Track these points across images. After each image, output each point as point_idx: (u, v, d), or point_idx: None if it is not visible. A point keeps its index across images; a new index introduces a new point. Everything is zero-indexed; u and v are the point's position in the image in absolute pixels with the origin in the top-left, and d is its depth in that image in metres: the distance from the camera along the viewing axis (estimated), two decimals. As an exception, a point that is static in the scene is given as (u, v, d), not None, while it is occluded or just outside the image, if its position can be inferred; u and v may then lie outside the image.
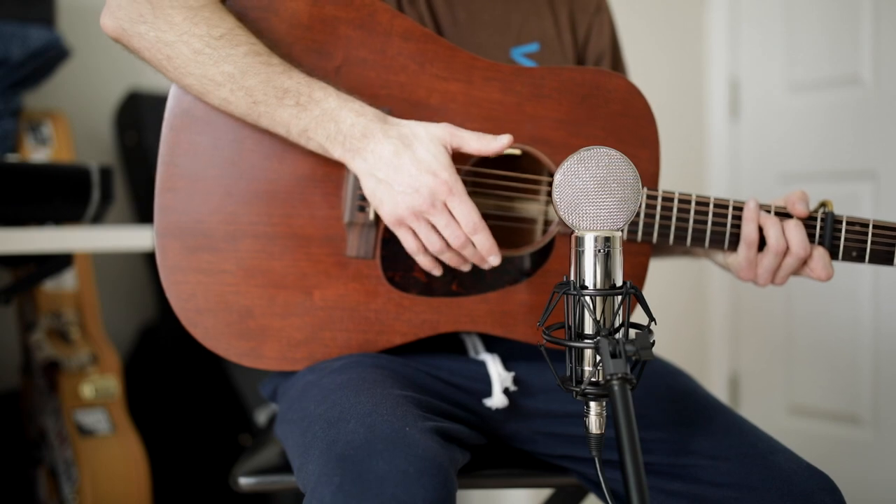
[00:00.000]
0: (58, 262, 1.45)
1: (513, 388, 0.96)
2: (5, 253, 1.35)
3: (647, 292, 0.70)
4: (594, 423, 0.69)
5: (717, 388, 2.57)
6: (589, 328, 0.68)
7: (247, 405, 1.76)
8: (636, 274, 0.97)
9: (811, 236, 0.93)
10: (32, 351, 1.68)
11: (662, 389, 0.93)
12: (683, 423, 0.89)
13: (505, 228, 1.00)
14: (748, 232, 0.93)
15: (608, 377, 0.60)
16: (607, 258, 0.67)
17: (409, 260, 0.93)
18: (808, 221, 0.94)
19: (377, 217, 0.93)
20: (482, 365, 0.98)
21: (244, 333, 0.93)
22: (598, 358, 0.67)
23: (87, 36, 1.82)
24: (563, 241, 0.96)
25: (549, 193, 0.91)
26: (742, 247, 0.93)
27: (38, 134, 1.72)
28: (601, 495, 0.95)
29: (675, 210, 0.94)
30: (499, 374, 0.95)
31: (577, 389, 0.69)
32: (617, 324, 0.68)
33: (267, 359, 0.94)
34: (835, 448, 2.26)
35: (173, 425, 1.85)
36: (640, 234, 0.95)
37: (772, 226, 0.92)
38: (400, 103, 0.94)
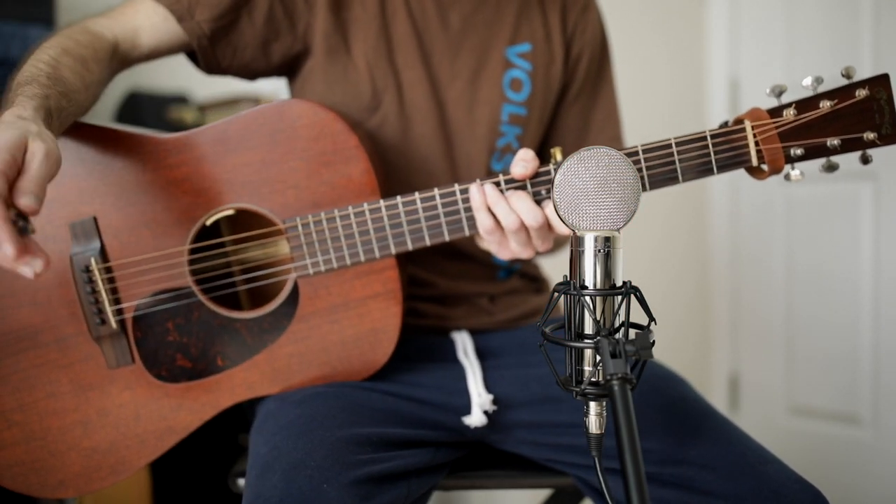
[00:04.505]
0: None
1: (492, 408, 0.96)
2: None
3: (648, 293, 0.70)
4: (594, 423, 0.69)
5: (717, 388, 2.58)
6: (589, 328, 0.68)
7: (247, 405, 1.76)
8: (389, 289, 0.92)
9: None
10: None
11: (654, 397, 0.92)
12: (674, 431, 0.88)
13: (271, 284, 0.98)
14: (480, 221, 0.88)
15: (608, 377, 0.60)
16: (607, 258, 0.67)
17: (169, 351, 0.93)
18: (545, 177, 0.88)
19: (121, 323, 0.92)
20: (464, 381, 0.98)
21: (42, 469, 0.93)
22: (598, 358, 0.67)
23: (86, 36, 1.82)
24: (306, 283, 0.92)
25: (287, 235, 0.90)
26: (483, 235, 0.90)
27: (38, 134, 1.71)
28: (594, 497, 0.95)
29: (402, 214, 0.90)
30: (479, 395, 0.95)
31: (577, 389, 0.69)
32: (617, 324, 0.68)
33: (71, 487, 0.94)
34: (835, 448, 2.26)
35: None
36: (376, 249, 0.91)
37: (497, 204, 0.87)
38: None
